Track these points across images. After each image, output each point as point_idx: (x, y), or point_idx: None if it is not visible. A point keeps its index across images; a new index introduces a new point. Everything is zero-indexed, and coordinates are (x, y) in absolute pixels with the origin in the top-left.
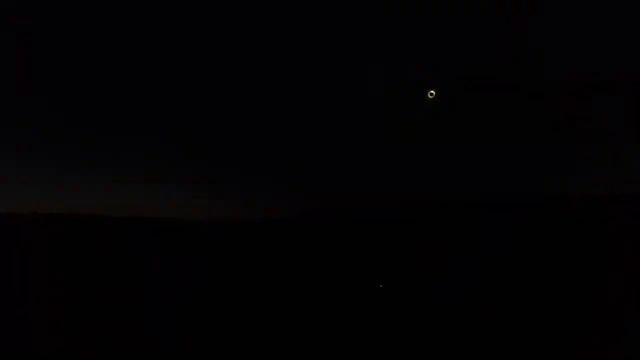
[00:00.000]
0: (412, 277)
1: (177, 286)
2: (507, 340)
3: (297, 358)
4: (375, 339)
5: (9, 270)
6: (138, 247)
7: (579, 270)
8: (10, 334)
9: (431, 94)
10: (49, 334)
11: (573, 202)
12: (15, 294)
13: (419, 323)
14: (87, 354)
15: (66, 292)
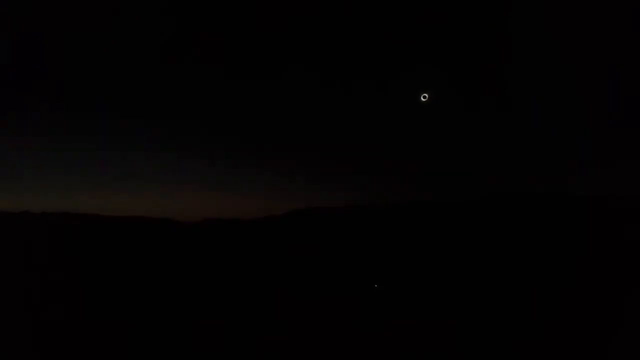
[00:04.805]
0: (412, 277)
1: (174, 285)
2: (507, 339)
3: (295, 356)
4: (374, 338)
5: (3, 269)
6: (136, 247)
7: (578, 269)
8: (8, 333)
9: (424, 97)
10: (45, 333)
11: (574, 201)
12: (10, 293)
13: (418, 322)
14: (87, 352)
15: (63, 291)
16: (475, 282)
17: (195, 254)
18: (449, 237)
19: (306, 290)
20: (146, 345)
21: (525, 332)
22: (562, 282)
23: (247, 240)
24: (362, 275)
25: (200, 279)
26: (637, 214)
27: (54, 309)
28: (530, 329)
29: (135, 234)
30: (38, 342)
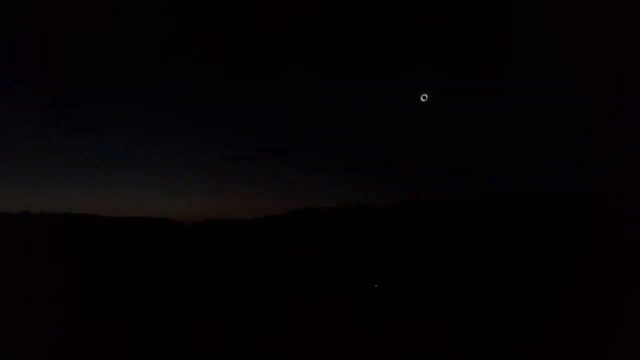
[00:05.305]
0: (411, 277)
1: (175, 285)
2: (507, 339)
3: (295, 356)
4: (374, 338)
5: (3, 269)
6: (136, 247)
7: (578, 269)
8: (8, 333)
9: (424, 97)
10: (46, 333)
11: (574, 201)
12: (10, 293)
13: (417, 322)
14: (87, 352)
15: (63, 291)
16: (475, 282)
17: (196, 254)
18: (449, 237)
19: (306, 290)
20: (146, 345)
21: (525, 332)
22: (562, 282)
23: (247, 241)
24: (362, 275)
25: (201, 279)
26: (637, 214)
27: (54, 310)
28: (530, 329)
29: (135, 234)
30: (38, 342)
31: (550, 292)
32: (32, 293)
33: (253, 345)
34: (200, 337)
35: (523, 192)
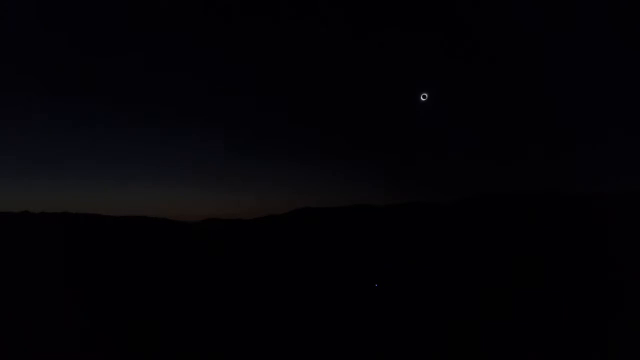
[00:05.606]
0: (411, 276)
1: (175, 284)
2: (507, 338)
3: (295, 356)
4: (374, 338)
5: (4, 269)
6: (136, 247)
7: (577, 269)
8: (9, 331)
9: (424, 97)
10: (46, 331)
11: (571, 200)
12: (10, 292)
13: (417, 322)
14: (87, 350)
15: (64, 290)
16: (475, 282)
17: (196, 253)
18: (448, 237)
19: (306, 289)
20: (147, 343)
21: (525, 331)
22: (561, 281)
23: (247, 240)
24: (362, 275)
25: (201, 279)
26: (638, 214)
27: (54, 308)
28: (529, 329)
29: (136, 234)
30: (39, 339)
31: (550, 291)
32: (32, 292)
33: (253, 345)
34: (200, 336)
35: (522, 192)
